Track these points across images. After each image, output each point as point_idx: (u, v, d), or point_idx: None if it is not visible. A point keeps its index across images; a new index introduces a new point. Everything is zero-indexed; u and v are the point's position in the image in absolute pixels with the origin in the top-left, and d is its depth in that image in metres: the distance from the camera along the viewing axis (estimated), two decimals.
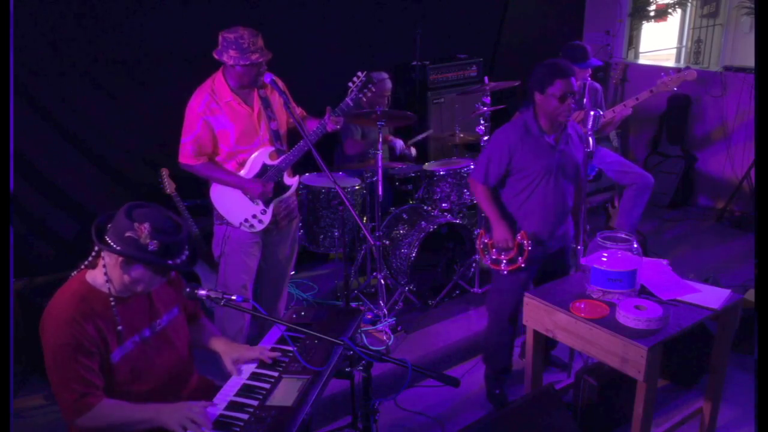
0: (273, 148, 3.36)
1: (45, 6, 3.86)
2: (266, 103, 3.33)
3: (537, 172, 3.18)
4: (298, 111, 3.53)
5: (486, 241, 3.32)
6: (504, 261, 3.26)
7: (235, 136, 3.26)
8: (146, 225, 2.10)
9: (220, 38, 3.17)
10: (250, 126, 3.28)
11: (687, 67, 4.40)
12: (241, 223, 3.38)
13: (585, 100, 4.54)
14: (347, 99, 3.35)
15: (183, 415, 2.10)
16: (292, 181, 3.44)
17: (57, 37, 3.94)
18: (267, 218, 3.40)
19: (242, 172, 3.33)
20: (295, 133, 3.48)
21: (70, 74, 4.04)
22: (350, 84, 3.41)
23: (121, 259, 2.12)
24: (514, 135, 3.21)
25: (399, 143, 4.98)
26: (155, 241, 2.10)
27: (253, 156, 3.32)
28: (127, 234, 2.10)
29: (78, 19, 4.01)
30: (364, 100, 3.43)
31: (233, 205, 3.37)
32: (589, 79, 4.59)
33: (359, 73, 3.40)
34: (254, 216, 3.38)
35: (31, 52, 3.83)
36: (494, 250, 3.29)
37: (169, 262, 2.13)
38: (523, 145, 3.18)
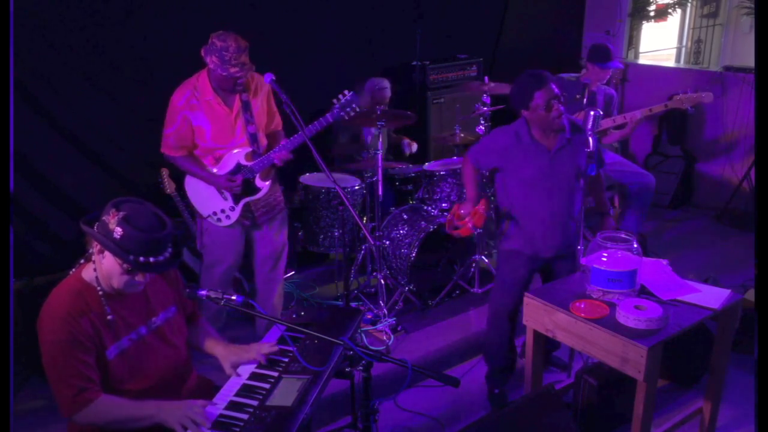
0: (251, 149, 3.43)
1: (45, 6, 3.86)
2: (246, 107, 3.38)
3: (526, 177, 3.19)
4: (276, 121, 3.58)
5: (455, 211, 3.42)
6: (459, 226, 3.39)
7: (210, 133, 3.35)
8: (120, 213, 2.09)
9: (210, 39, 3.21)
10: (227, 126, 3.36)
11: (707, 91, 4.45)
12: (209, 215, 3.50)
13: (585, 100, 4.55)
14: (327, 115, 3.38)
15: (183, 414, 2.10)
16: (263, 184, 3.50)
17: (57, 37, 3.95)
18: (235, 215, 3.49)
19: (216, 168, 3.43)
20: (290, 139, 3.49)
21: (70, 74, 4.04)
22: (334, 101, 3.42)
23: (98, 246, 2.14)
24: (505, 140, 3.24)
25: (405, 143, 4.98)
26: (119, 229, 2.07)
27: (229, 154, 3.41)
28: (102, 218, 2.12)
29: (78, 19, 4.01)
30: (347, 118, 3.44)
31: (204, 197, 3.50)
32: (603, 86, 4.60)
33: (345, 92, 3.41)
34: (222, 211, 3.49)
35: (31, 52, 3.83)
36: (455, 218, 3.41)
37: (131, 257, 2.07)
38: (512, 151, 3.20)
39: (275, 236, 3.66)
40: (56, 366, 2.08)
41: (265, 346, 2.45)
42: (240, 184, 3.42)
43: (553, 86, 3.09)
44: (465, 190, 3.48)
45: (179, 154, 3.40)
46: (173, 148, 3.39)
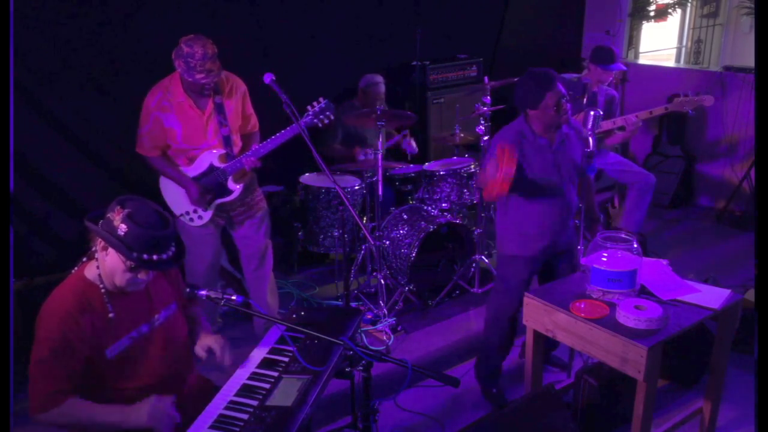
0: (224, 151, 3.46)
1: (45, 6, 3.86)
2: (219, 109, 3.40)
3: (534, 173, 3.19)
4: (252, 122, 3.60)
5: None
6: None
7: (181, 135, 3.38)
8: (125, 211, 2.10)
9: (179, 43, 3.23)
10: (198, 128, 3.39)
11: (708, 94, 4.44)
12: (181, 214, 3.54)
13: (585, 100, 4.55)
14: (300, 121, 3.36)
15: (151, 411, 2.12)
16: (235, 187, 3.52)
17: (57, 36, 3.95)
18: (207, 215, 3.55)
19: (190, 168, 3.47)
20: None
21: (71, 74, 4.04)
22: (308, 107, 3.41)
23: (101, 242, 2.14)
24: (510, 137, 3.22)
25: (406, 142, 4.98)
26: (124, 226, 2.09)
27: (203, 154, 3.44)
28: (107, 215, 2.13)
29: (78, 19, 4.01)
30: (320, 126, 3.44)
31: (177, 197, 3.53)
32: (604, 87, 4.60)
33: (320, 99, 3.41)
34: (195, 211, 3.53)
35: (31, 52, 3.83)
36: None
37: (134, 254, 2.09)
38: (520, 146, 3.18)
39: (255, 234, 3.70)
40: (40, 363, 2.10)
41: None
42: (209, 201, 3.48)
43: (560, 86, 3.12)
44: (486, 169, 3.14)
45: (153, 154, 3.45)
46: (147, 148, 3.44)
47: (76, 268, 2.25)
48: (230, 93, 3.44)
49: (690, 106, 4.37)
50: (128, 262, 2.11)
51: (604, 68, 4.50)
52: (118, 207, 2.12)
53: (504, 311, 3.40)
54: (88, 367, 2.16)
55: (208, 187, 3.47)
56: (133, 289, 2.21)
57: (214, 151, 3.44)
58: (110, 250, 2.13)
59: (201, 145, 3.42)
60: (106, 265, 2.16)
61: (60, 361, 2.09)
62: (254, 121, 3.61)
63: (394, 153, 5.18)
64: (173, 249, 2.19)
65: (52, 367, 2.09)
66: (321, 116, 3.39)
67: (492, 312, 3.48)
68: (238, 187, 3.52)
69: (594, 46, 4.66)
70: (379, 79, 4.83)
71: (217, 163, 3.45)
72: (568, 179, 3.27)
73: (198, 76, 3.19)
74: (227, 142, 3.45)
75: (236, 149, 3.51)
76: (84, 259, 2.25)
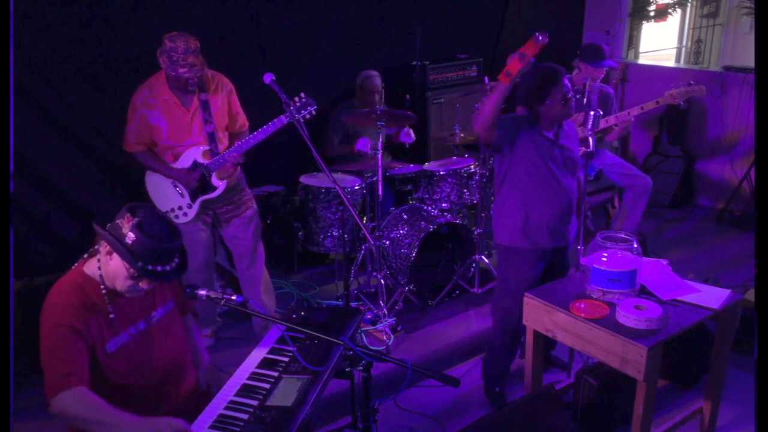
0: (207, 147, 3.49)
1: (45, 6, 3.86)
2: (204, 106, 3.42)
3: (538, 165, 3.18)
4: (241, 121, 3.62)
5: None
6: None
7: (166, 132, 3.41)
8: (135, 219, 2.11)
9: (163, 39, 3.24)
10: (183, 125, 3.42)
11: (698, 84, 4.42)
12: (167, 212, 3.56)
13: (585, 100, 4.55)
14: (282, 117, 3.36)
15: (164, 425, 2.03)
16: (219, 183, 3.54)
17: (58, 36, 3.95)
18: (192, 212, 3.56)
19: (174, 165, 3.50)
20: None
21: (70, 74, 4.04)
22: (290, 102, 3.39)
23: (107, 246, 2.15)
24: (519, 120, 3.22)
25: (403, 132, 4.98)
26: (132, 234, 2.09)
27: (187, 151, 3.47)
28: (116, 221, 2.14)
29: (78, 19, 4.01)
30: (302, 121, 3.41)
31: (162, 194, 3.57)
32: (599, 82, 4.60)
33: (301, 94, 3.39)
34: (180, 208, 3.56)
35: (31, 52, 3.83)
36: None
37: (140, 263, 2.09)
38: (524, 137, 3.19)
39: (243, 234, 3.71)
40: (51, 350, 2.09)
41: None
42: (197, 179, 3.49)
43: (566, 81, 3.14)
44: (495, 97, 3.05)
45: (138, 150, 3.49)
46: (132, 144, 3.47)
47: (77, 263, 2.26)
48: (215, 90, 3.46)
49: (681, 98, 4.35)
50: (132, 271, 2.12)
51: (595, 66, 4.51)
52: (129, 214, 2.13)
53: (513, 314, 3.34)
54: (92, 360, 2.16)
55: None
56: (132, 295, 2.22)
57: (196, 148, 3.46)
58: (115, 255, 2.13)
59: (186, 142, 3.45)
60: (109, 269, 2.17)
61: (71, 344, 2.09)
62: (242, 120, 3.62)
63: (393, 149, 5.17)
64: (177, 260, 2.20)
65: (65, 349, 2.08)
66: (302, 111, 3.37)
67: (500, 316, 3.45)
68: (221, 183, 3.53)
69: (583, 45, 4.67)
70: (374, 73, 4.84)
71: (200, 160, 3.47)
72: (570, 173, 3.27)
73: (181, 71, 3.22)
74: (212, 139, 3.47)
75: (221, 147, 3.52)
76: (84, 256, 2.26)
